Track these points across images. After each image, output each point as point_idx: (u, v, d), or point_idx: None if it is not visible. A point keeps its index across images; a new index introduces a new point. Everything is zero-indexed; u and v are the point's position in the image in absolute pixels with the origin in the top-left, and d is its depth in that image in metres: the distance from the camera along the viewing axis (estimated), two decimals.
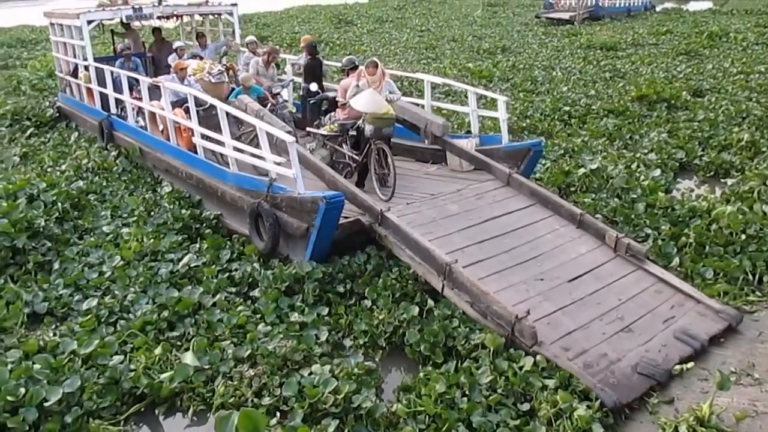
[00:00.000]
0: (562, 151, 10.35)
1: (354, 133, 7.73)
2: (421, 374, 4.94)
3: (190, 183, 8.32)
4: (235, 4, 11.92)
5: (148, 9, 11.03)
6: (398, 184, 7.54)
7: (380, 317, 5.66)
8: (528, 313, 5.27)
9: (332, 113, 8.31)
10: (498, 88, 15.74)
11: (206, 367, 5.04)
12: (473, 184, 7.58)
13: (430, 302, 5.82)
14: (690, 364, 5.07)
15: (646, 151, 10.15)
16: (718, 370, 4.73)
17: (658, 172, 9.07)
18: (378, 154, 7.41)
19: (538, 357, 4.99)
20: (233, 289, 6.38)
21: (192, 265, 6.70)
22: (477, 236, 6.47)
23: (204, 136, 7.87)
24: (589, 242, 6.55)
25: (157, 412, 4.89)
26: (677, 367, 5.04)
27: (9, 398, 4.48)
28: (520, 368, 4.89)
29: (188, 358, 5.07)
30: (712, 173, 9.62)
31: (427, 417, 4.45)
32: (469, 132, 9.17)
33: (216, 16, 12.26)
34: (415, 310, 5.68)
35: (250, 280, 6.51)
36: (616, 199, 8.18)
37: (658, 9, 34.80)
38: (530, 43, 23.12)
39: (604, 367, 5.00)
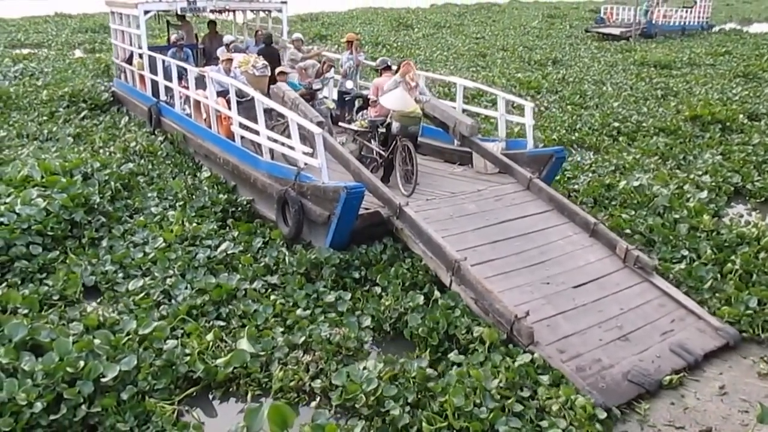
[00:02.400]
0: (613, 168, 10.33)
1: (383, 130, 8.16)
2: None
3: (226, 169, 8.87)
4: (284, 2, 12.55)
5: (201, 2, 11.82)
6: (423, 182, 7.95)
7: (387, 303, 6.05)
8: (527, 314, 5.54)
9: (365, 110, 8.74)
10: (546, 100, 15.89)
11: (261, 353, 5.29)
12: (494, 185, 7.91)
13: (437, 293, 6.17)
14: (680, 375, 5.29)
15: (700, 172, 10.06)
16: (759, 402, 4.75)
17: (704, 194, 8.93)
18: (403, 150, 7.80)
19: (535, 355, 5.26)
20: (269, 278, 6.65)
21: (229, 252, 7.02)
22: (490, 236, 6.79)
23: (242, 125, 8.38)
24: (600, 251, 6.77)
25: (211, 396, 5.11)
26: (667, 378, 5.24)
27: (69, 369, 4.63)
28: (513, 362, 5.17)
29: (243, 344, 5.30)
30: (764, 199, 9.48)
31: None
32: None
33: (266, 12, 12.87)
34: (421, 298, 6.06)
35: (282, 266, 6.84)
36: (657, 218, 8.10)
37: (718, 29, 34.16)
38: (582, 57, 23.15)
39: (596, 372, 5.25)
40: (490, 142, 8.58)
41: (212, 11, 12.31)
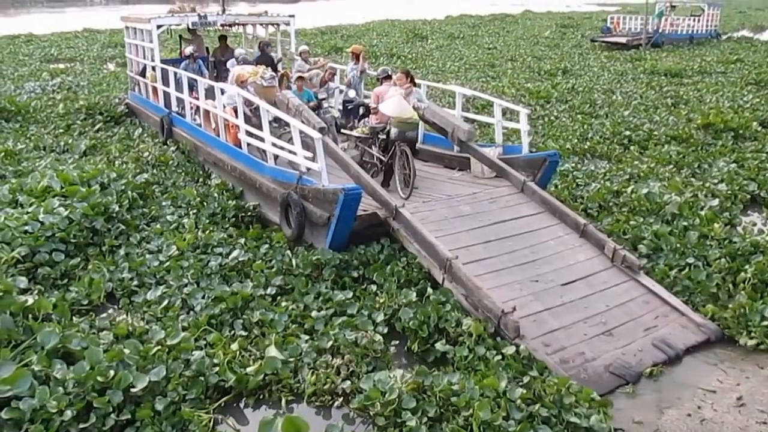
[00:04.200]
0: (627, 176, 10.43)
1: (383, 136, 8.59)
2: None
3: (233, 175, 9.32)
4: (292, 16, 13.08)
5: (212, 17, 12.44)
6: (422, 186, 8.39)
7: (381, 300, 6.41)
8: (514, 309, 5.87)
9: (366, 118, 9.18)
10: (555, 109, 16.12)
11: (290, 359, 5.44)
12: (489, 188, 8.29)
13: (429, 290, 6.51)
14: (660, 368, 5.58)
15: (715, 181, 10.06)
16: None
17: (716, 201, 8.94)
18: (402, 155, 8.21)
19: (521, 347, 5.58)
20: (275, 279, 6.88)
21: (240, 258, 7.26)
22: (483, 236, 7.15)
23: (248, 133, 8.83)
24: (589, 251, 7.09)
25: (242, 404, 5.22)
26: (648, 370, 5.54)
27: (99, 378, 4.70)
28: (495, 355, 5.51)
29: (272, 351, 5.43)
30: None
31: None
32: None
33: (275, 26, 13.42)
34: (414, 295, 6.40)
35: (288, 269, 7.10)
36: (665, 225, 8.09)
37: (731, 37, 34.44)
38: (591, 66, 23.45)
39: (579, 364, 5.57)
40: (487, 148, 8.95)
41: (222, 25, 12.93)
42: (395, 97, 8.26)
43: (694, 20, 32.87)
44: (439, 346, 5.73)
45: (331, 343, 5.66)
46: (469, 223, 7.35)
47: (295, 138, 7.78)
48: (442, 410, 4.86)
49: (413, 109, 8.37)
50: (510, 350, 5.54)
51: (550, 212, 7.66)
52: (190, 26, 12.68)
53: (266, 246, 7.72)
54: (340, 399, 5.16)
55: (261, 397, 5.27)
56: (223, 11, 12.69)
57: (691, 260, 7.25)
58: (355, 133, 9.03)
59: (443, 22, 43.31)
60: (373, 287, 6.74)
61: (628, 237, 7.98)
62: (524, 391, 4.90)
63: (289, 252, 7.49)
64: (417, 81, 9.60)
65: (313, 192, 7.38)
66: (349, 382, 5.21)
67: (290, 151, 8.06)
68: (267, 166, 8.42)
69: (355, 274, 7.06)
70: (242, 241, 7.82)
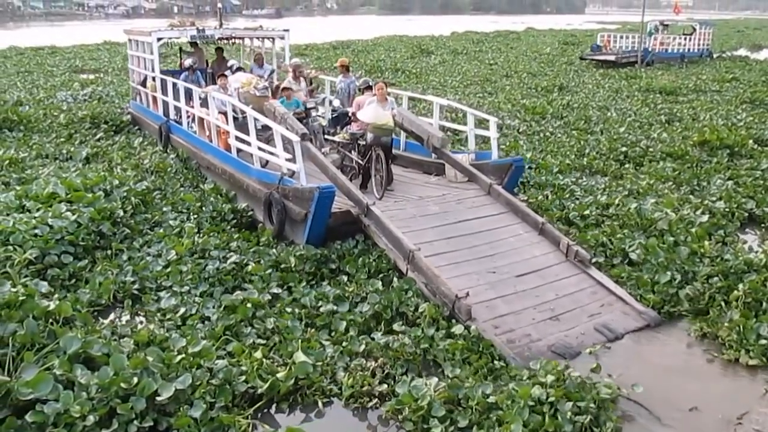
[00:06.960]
0: (626, 192, 10.70)
1: (363, 142, 9.46)
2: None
3: (224, 178, 10.20)
4: (287, 30, 14.11)
5: (210, 31, 13.54)
6: (397, 189, 9.28)
7: (350, 289, 7.19)
8: (467, 295, 6.65)
9: (349, 126, 10.07)
10: (550, 125, 16.74)
11: (317, 363, 5.71)
12: (458, 191, 9.17)
13: (395, 280, 7.34)
14: (598, 348, 6.32)
15: (714, 198, 10.22)
16: None
17: (705, 218, 9.11)
18: (377, 159, 9.09)
19: (472, 327, 6.34)
20: (271, 281, 7.34)
21: (237, 262, 7.66)
22: (447, 233, 7.97)
23: (238, 138, 9.71)
24: (545, 247, 7.88)
25: (273, 409, 5.42)
26: (588, 350, 6.28)
27: (123, 385, 4.85)
28: (443, 336, 6.25)
29: (301, 356, 5.65)
30: None
31: None
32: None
33: (271, 40, 14.43)
34: (379, 284, 7.19)
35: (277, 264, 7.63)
36: (652, 239, 8.32)
37: (722, 56, 35.55)
38: (586, 83, 24.34)
39: (524, 344, 6.31)
40: (460, 154, 9.79)
41: (220, 39, 13.97)
42: (372, 105, 9.20)
43: (685, 39, 33.96)
44: (396, 327, 6.47)
45: (363, 347, 6.02)
46: (435, 221, 8.18)
47: (277, 142, 8.65)
48: (480, 419, 5.04)
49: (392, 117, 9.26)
50: (459, 329, 6.30)
51: (513, 212, 8.47)
52: (189, 40, 13.69)
53: (256, 246, 8.34)
54: (375, 400, 5.47)
55: (294, 401, 5.50)
56: (221, 25, 13.76)
57: (668, 274, 7.38)
58: (336, 138, 9.97)
59: (449, 38, 44.75)
60: (345, 277, 7.52)
61: (612, 249, 8.29)
62: (571, 404, 5.04)
63: (274, 250, 8.16)
64: (402, 92, 10.46)
65: (293, 191, 8.22)
66: (385, 385, 5.55)
67: (273, 154, 8.91)
68: (253, 168, 9.28)
69: (333, 267, 7.84)
70: (234, 244, 8.32)
